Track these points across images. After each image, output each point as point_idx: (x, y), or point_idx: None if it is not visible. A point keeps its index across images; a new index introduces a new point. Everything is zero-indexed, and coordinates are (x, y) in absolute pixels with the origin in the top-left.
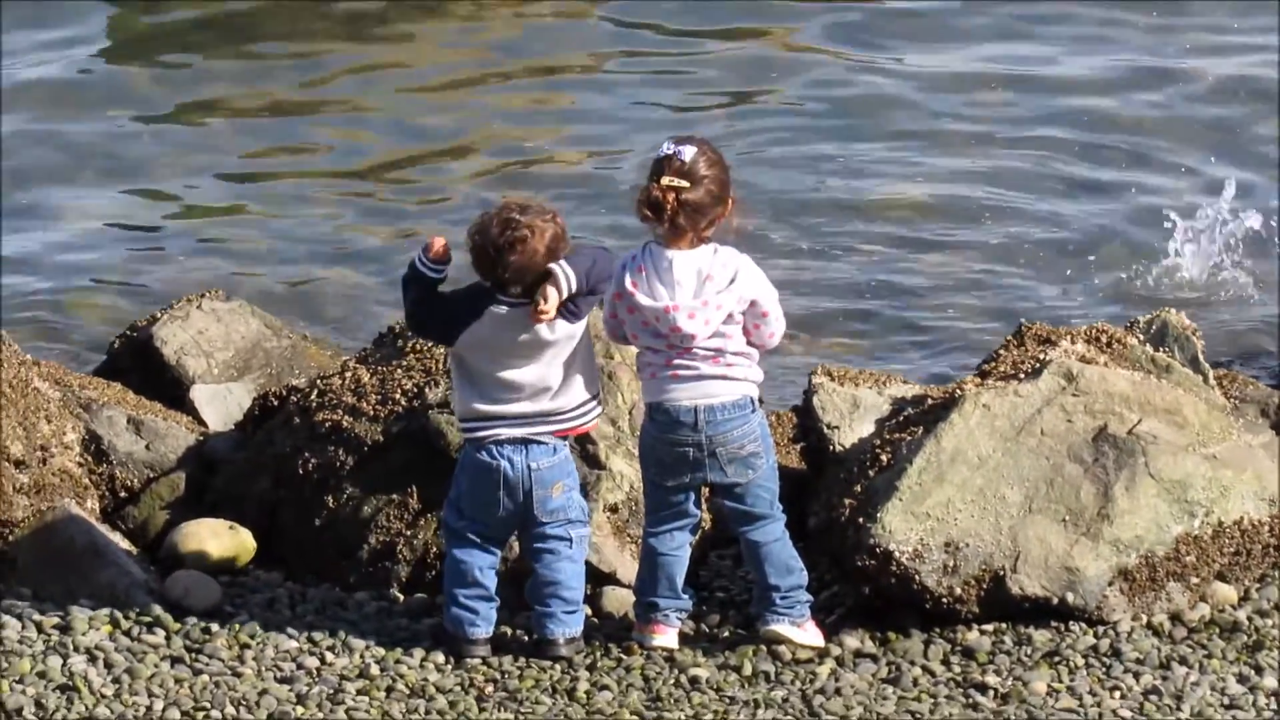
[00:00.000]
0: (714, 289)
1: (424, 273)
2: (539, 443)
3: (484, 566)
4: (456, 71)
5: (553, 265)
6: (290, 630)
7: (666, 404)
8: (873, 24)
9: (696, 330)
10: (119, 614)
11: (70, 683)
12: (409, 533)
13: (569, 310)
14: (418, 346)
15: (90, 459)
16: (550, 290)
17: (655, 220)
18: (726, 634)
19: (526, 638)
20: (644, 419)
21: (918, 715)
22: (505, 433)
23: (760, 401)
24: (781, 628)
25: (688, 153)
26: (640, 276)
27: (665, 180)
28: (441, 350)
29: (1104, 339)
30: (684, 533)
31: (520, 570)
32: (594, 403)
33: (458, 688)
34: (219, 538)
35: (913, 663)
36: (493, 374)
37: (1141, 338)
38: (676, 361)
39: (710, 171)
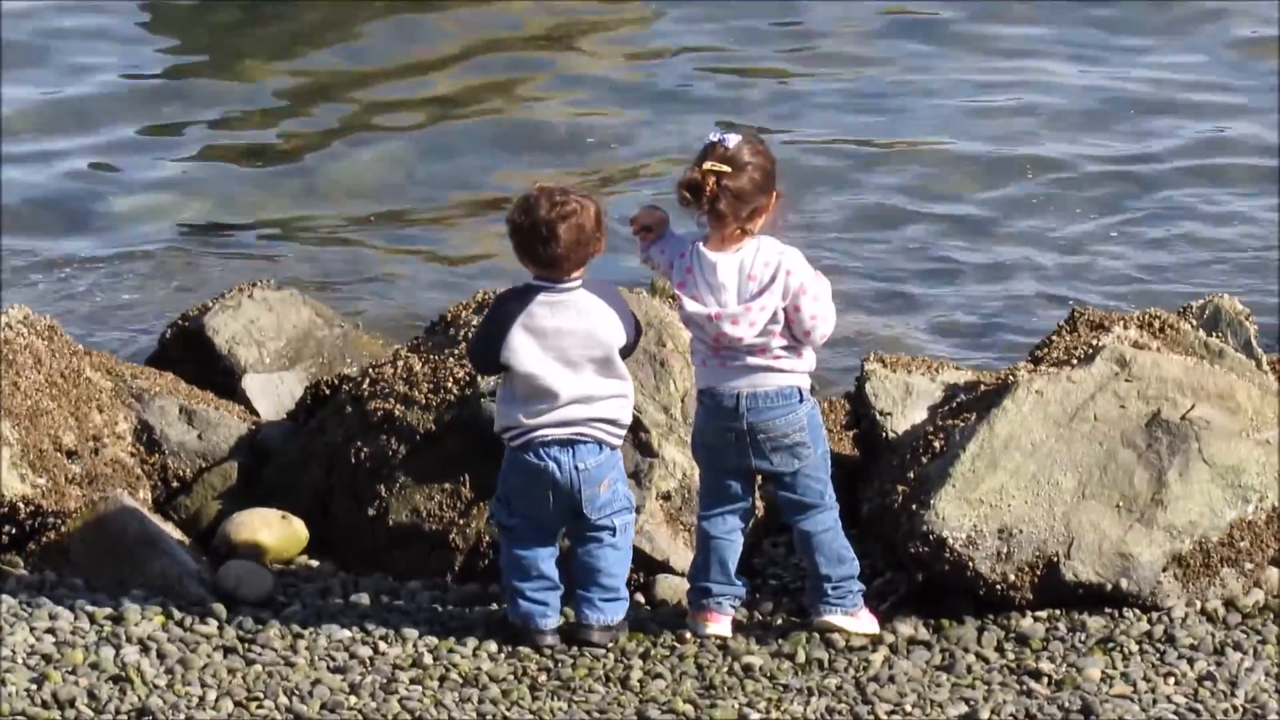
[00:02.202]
0: (756, 288)
1: None
2: (584, 442)
3: (544, 557)
4: (514, 51)
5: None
6: (343, 620)
7: (714, 389)
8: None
9: (743, 334)
10: (171, 604)
11: (123, 673)
12: (461, 521)
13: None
14: (469, 334)
15: (142, 449)
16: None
17: (694, 203)
18: (780, 622)
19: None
20: (697, 406)
21: (971, 702)
22: (552, 433)
23: (812, 391)
24: (834, 618)
25: (732, 140)
26: (688, 278)
27: (708, 165)
28: None
29: (1157, 324)
30: (735, 517)
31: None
32: (625, 428)
33: (511, 677)
34: (271, 527)
35: (966, 650)
36: (537, 380)
37: (1194, 323)
38: (725, 352)
39: (754, 159)
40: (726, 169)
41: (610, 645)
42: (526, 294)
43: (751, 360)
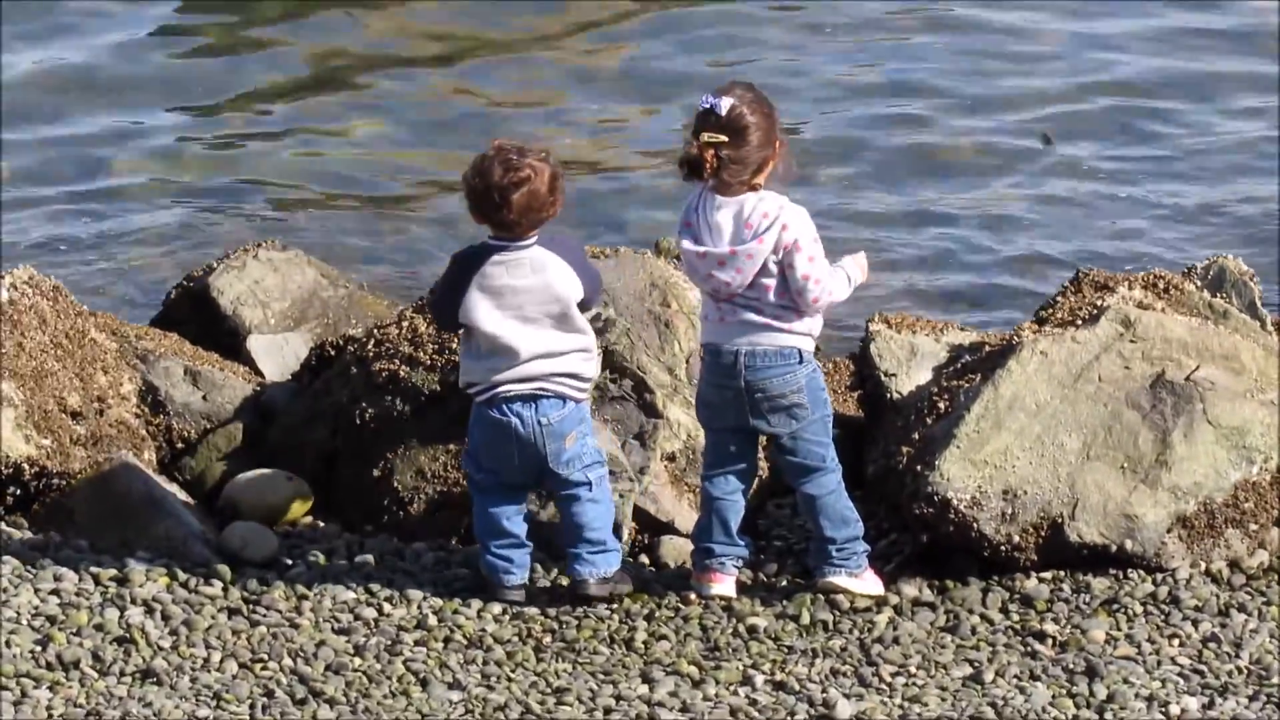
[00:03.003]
0: (750, 235)
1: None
2: (547, 396)
3: (511, 514)
4: (526, 30)
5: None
6: (348, 581)
7: (715, 345)
8: None
9: (729, 279)
10: (176, 566)
11: (127, 634)
12: (466, 482)
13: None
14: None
15: (147, 410)
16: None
17: (697, 179)
18: (784, 583)
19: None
20: (700, 360)
21: (976, 664)
22: (514, 388)
23: (816, 351)
24: (839, 579)
25: (724, 105)
26: (694, 217)
27: (704, 137)
28: None
29: (1161, 285)
30: (736, 478)
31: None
32: (590, 382)
33: (515, 638)
34: (276, 488)
35: (971, 611)
36: (496, 338)
37: (1199, 283)
38: (724, 306)
39: (753, 119)
40: (723, 138)
41: (609, 596)
42: (481, 254)
43: (751, 317)
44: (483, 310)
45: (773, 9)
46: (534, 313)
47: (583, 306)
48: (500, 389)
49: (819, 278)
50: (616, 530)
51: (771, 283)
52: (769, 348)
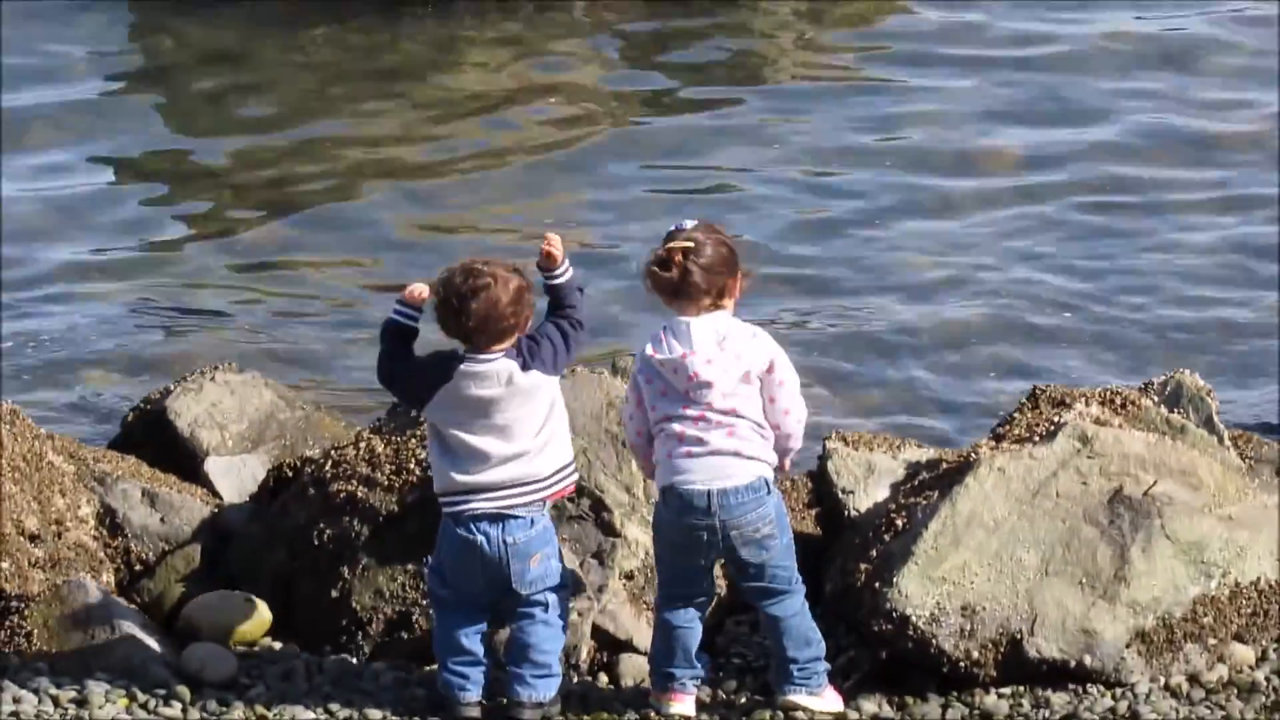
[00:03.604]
0: (732, 344)
1: (398, 319)
2: (515, 517)
3: (470, 632)
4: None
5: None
6: (307, 701)
7: (679, 487)
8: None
9: (714, 378)
10: (135, 687)
11: None
12: (425, 602)
13: (539, 359)
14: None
15: (105, 532)
16: (553, 236)
17: (663, 274)
18: (744, 700)
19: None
20: (658, 501)
21: None
22: (481, 507)
23: (776, 478)
24: (799, 697)
25: (690, 223)
26: (659, 344)
27: (673, 243)
28: None
29: (1118, 400)
30: (695, 608)
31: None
32: (571, 467)
33: None
34: (234, 610)
35: None
36: (468, 442)
37: (1156, 399)
38: (690, 433)
39: (716, 239)
40: (691, 244)
41: None
42: (451, 361)
43: (718, 441)
44: (450, 419)
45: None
46: (502, 420)
47: (566, 330)
48: (468, 505)
49: (797, 413)
50: (567, 655)
51: (749, 393)
52: (739, 483)
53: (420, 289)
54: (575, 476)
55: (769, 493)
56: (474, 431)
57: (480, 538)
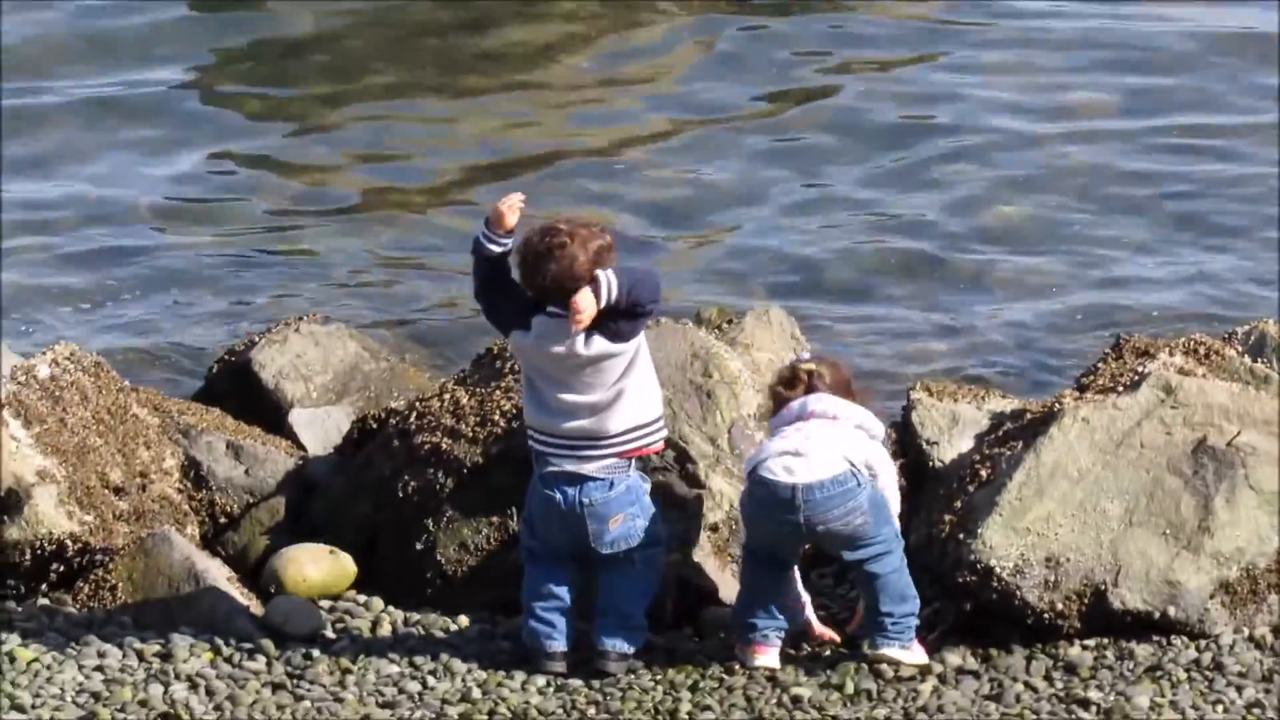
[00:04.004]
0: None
1: (486, 245)
2: (593, 478)
3: (558, 579)
4: (553, 88)
5: (592, 271)
6: (391, 655)
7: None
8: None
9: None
10: (220, 641)
11: (172, 710)
12: (509, 555)
13: (609, 329)
14: (516, 368)
15: (189, 485)
16: (586, 293)
17: (790, 391)
18: (828, 652)
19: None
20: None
21: None
22: (563, 467)
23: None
24: (892, 651)
25: (808, 353)
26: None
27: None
28: None
29: (1202, 350)
30: (780, 567)
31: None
32: (651, 427)
33: (560, 710)
34: (319, 562)
35: (1015, 679)
36: (541, 389)
37: (1240, 349)
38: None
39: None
40: (815, 368)
41: (623, 674)
42: (533, 310)
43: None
44: (531, 352)
45: None
46: (572, 376)
47: (637, 313)
48: (551, 463)
49: (892, 488)
50: (655, 604)
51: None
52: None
53: (509, 208)
54: (659, 436)
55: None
56: (546, 379)
57: (558, 496)
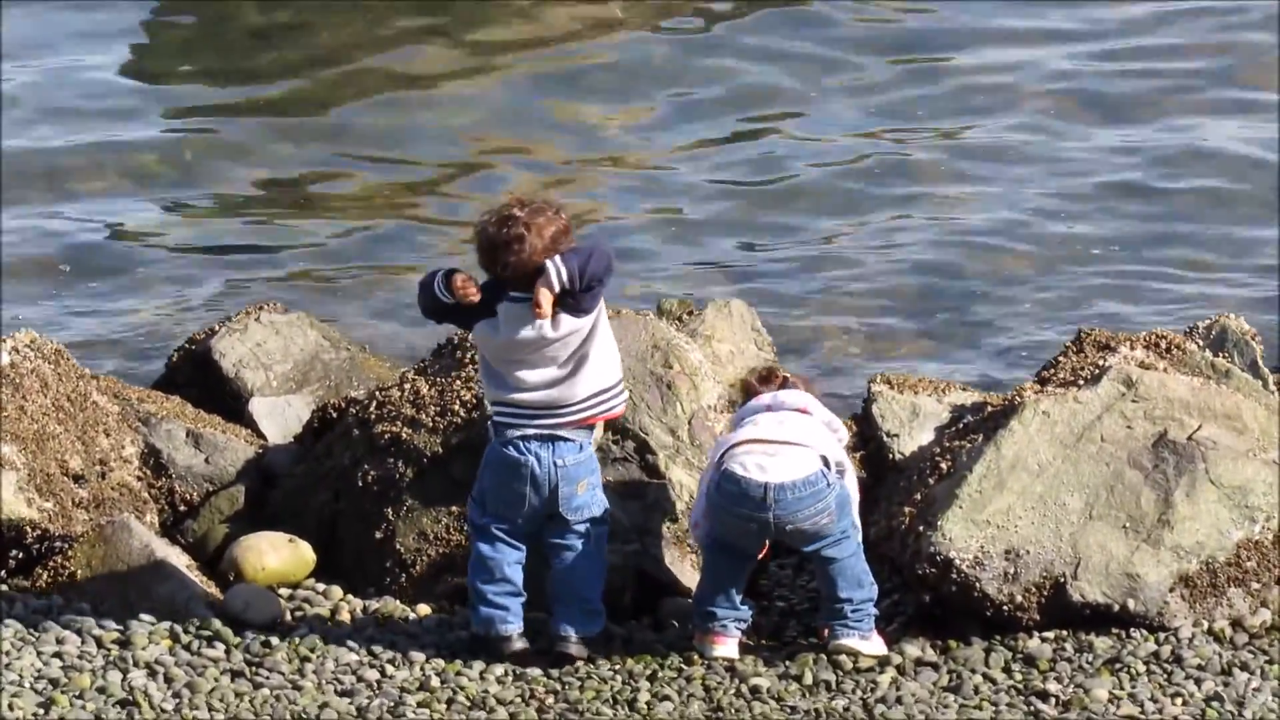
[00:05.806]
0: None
1: (440, 296)
2: (565, 439)
3: (510, 562)
4: (520, 73)
5: (544, 260)
6: (350, 643)
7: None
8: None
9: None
10: (179, 628)
11: (130, 698)
12: (469, 544)
13: (570, 304)
14: (476, 358)
15: (149, 473)
16: (542, 290)
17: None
18: (787, 643)
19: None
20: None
21: None
22: (532, 429)
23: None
24: (851, 641)
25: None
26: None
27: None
28: None
29: (1163, 344)
30: (740, 558)
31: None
32: (612, 391)
33: (518, 699)
34: (278, 551)
35: (974, 670)
36: (508, 370)
37: (1201, 343)
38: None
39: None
40: (792, 376)
41: (584, 660)
42: (496, 294)
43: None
44: (496, 338)
45: None
46: (536, 353)
47: (593, 286)
48: (517, 428)
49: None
50: (614, 594)
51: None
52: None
53: (466, 283)
54: (621, 399)
55: (828, 485)
56: (514, 363)
57: (530, 458)
